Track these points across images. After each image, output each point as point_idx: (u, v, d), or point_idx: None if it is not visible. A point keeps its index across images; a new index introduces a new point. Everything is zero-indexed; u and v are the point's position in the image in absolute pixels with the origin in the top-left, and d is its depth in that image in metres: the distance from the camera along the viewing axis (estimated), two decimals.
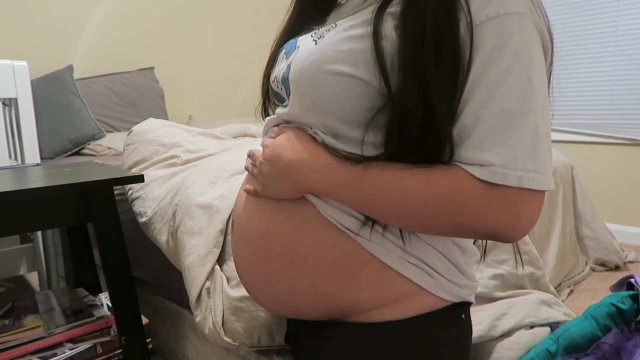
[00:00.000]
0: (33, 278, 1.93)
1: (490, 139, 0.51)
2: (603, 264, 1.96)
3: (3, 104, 1.56)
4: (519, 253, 1.00)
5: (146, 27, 2.79)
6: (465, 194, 0.52)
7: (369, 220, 0.59)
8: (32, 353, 0.99)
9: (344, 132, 0.59)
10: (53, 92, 2.21)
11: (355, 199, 0.57)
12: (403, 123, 0.53)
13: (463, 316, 0.67)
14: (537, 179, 0.52)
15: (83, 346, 1.02)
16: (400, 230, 0.59)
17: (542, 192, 0.54)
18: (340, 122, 0.58)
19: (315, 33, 0.63)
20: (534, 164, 0.52)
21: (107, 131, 2.38)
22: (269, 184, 0.63)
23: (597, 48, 2.46)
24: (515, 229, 0.53)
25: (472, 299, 0.68)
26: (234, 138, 1.74)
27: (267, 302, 0.70)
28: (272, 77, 0.70)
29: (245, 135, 1.84)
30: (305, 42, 0.64)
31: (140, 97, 2.62)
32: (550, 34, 0.57)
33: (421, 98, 0.52)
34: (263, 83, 0.73)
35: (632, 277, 1.26)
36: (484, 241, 0.76)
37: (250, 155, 0.69)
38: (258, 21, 3.25)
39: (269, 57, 0.73)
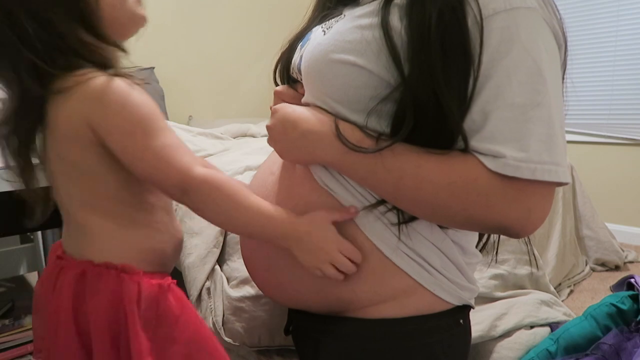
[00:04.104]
0: (33, 278, 1.92)
1: (501, 133, 0.51)
2: (603, 264, 1.96)
3: (4, 104, 1.55)
4: (533, 253, 0.98)
5: (146, 27, 2.79)
6: (480, 185, 0.52)
7: (372, 206, 0.59)
8: (32, 353, 0.99)
9: (352, 120, 0.59)
10: None
11: (368, 179, 0.57)
12: (412, 115, 0.53)
13: (461, 321, 0.66)
14: (554, 170, 0.51)
15: None
16: (398, 218, 0.59)
17: (554, 185, 0.53)
18: (348, 110, 0.59)
19: (325, 24, 0.64)
20: (550, 156, 0.51)
21: None
22: (283, 150, 0.63)
23: (597, 48, 2.46)
24: (526, 224, 0.53)
25: (472, 302, 0.68)
26: (234, 138, 1.74)
27: (269, 290, 0.70)
28: (291, 68, 0.71)
29: (245, 135, 1.84)
30: (316, 34, 0.64)
31: None
32: (563, 30, 0.56)
33: (430, 92, 0.52)
34: (276, 70, 0.74)
35: (632, 277, 1.26)
36: (495, 242, 0.75)
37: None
38: (258, 21, 3.25)
39: (286, 47, 0.73)
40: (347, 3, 0.69)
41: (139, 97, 0.58)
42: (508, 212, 0.52)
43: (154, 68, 2.78)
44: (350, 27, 0.58)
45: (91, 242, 0.65)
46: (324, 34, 0.61)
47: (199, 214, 0.61)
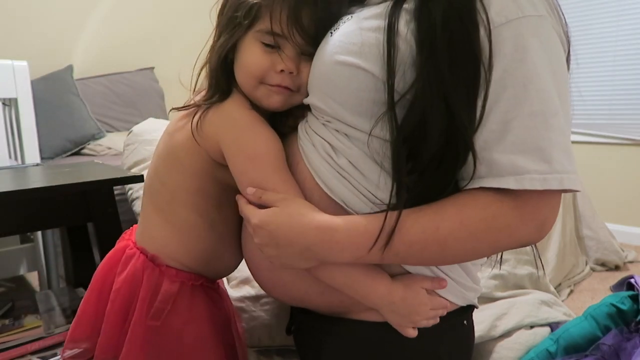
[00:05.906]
0: (33, 278, 1.92)
1: (524, 142, 0.50)
2: (603, 264, 1.96)
3: (3, 104, 1.55)
4: (539, 257, 0.98)
5: (146, 27, 2.79)
6: (499, 221, 0.52)
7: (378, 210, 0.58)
8: (32, 353, 0.99)
9: (352, 123, 0.58)
10: (53, 92, 2.21)
11: (391, 261, 0.57)
12: (419, 121, 0.52)
13: (465, 321, 0.66)
14: (576, 179, 0.51)
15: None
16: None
17: (561, 192, 0.54)
18: (349, 113, 0.58)
19: (334, 25, 0.63)
20: (570, 164, 0.51)
21: (107, 131, 2.37)
22: (280, 261, 0.59)
23: (597, 48, 2.46)
24: (541, 233, 0.54)
25: (476, 302, 0.68)
26: None
27: (272, 289, 0.70)
28: None
29: None
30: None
31: (140, 97, 2.61)
32: (567, 37, 0.57)
33: (438, 98, 0.51)
34: None
35: (632, 277, 1.25)
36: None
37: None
38: None
39: None
40: (354, 3, 0.69)
41: (268, 131, 0.63)
42: (527, 230, 0.53)
43: (153, 68, 2.78)
44: (356, 28, 0.58)
45: (141, 224, 0.74)
46: (331, 35, 0.61)
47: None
